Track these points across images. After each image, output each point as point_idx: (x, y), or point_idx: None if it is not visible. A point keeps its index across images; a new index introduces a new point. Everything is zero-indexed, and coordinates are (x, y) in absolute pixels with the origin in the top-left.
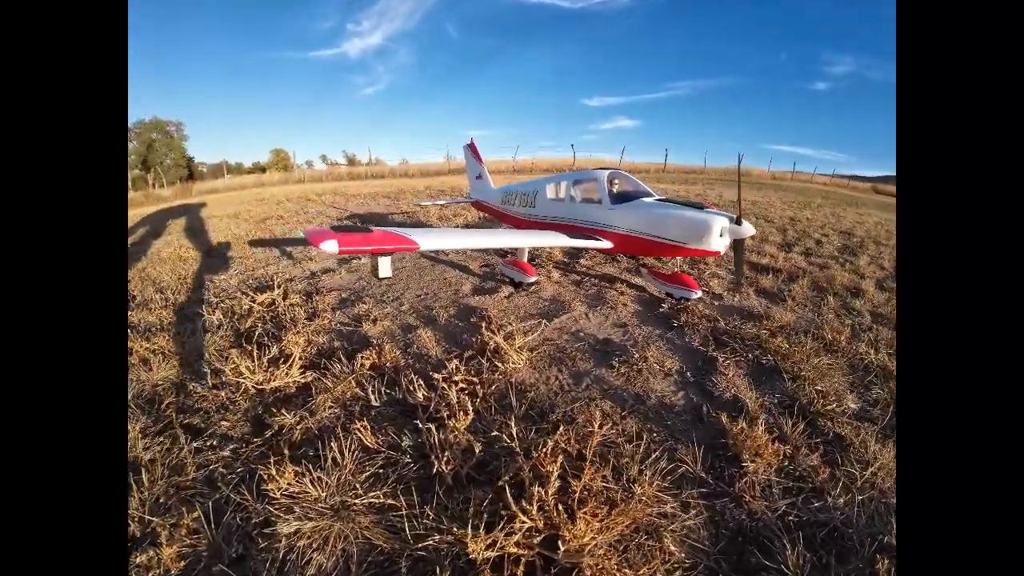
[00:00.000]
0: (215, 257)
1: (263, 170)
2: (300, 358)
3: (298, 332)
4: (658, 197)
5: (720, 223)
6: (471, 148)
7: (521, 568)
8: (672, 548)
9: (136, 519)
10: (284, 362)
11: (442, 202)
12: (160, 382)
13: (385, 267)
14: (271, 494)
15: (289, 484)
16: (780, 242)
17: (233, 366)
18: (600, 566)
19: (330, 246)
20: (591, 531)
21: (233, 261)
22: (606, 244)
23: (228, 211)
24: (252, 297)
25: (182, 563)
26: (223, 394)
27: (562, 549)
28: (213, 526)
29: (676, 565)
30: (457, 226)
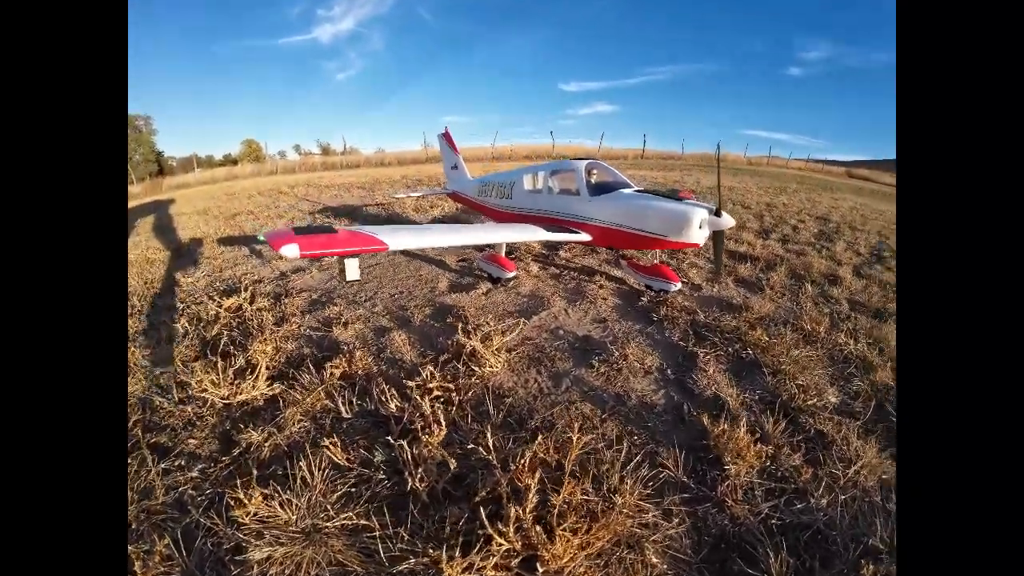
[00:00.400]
0: (183, 256)
1: (234, 162)
2: (268, 367)
3: (265, 340)
4: (636, 188)
5: (700, 215)
6: (446, 137)
7: None
8: (654, 560)
9: None
10: (251, 373)
11: (417, 194)
12: None
13: (352, 269)
14: (238, 515)
15: (257, 509)
16: (757, 229)
17: (198, 379)
18: None
19: (290, 250)
20: (571, 548)
21: (201, 262)
22: (585, 237)
23: (198, 207)
24: (219, 302)
25: None
26: (190, 409)
27: (540, 571)
28: (185, 553)
29: None
30: (434, 218)
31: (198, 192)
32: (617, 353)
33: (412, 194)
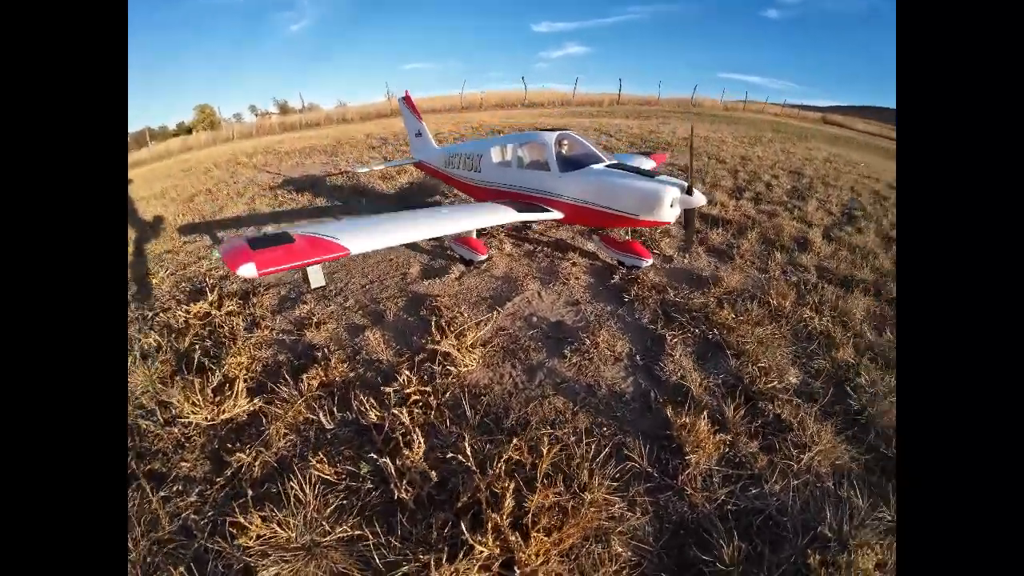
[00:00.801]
0: (144, 251)
1: (188, 131)
2: (245, 381)
3: (238, 351)
4: (608, 163)
5: (671, 194)
6: (407, 102)
7: None
8: (619, 550)
9: None
10: (229, 389)
11: (381, 166)
12: None
13: (316, 277)
14: (243, 542)
15: (259, 532)
16: (731, 187)
17: (179, 400)
18: None
19: (247, 271)
20: (545, 547)
21: (163, 257)
22: (556, 215)
23: (155, 189)
24: (187, 308)
25: None
26: (176, 430)
27: (518, 573)
28: None
29: (623, 565)
30: (401, 186)
31: (154, 170)
32: (589, 341)
33: (375, 167)
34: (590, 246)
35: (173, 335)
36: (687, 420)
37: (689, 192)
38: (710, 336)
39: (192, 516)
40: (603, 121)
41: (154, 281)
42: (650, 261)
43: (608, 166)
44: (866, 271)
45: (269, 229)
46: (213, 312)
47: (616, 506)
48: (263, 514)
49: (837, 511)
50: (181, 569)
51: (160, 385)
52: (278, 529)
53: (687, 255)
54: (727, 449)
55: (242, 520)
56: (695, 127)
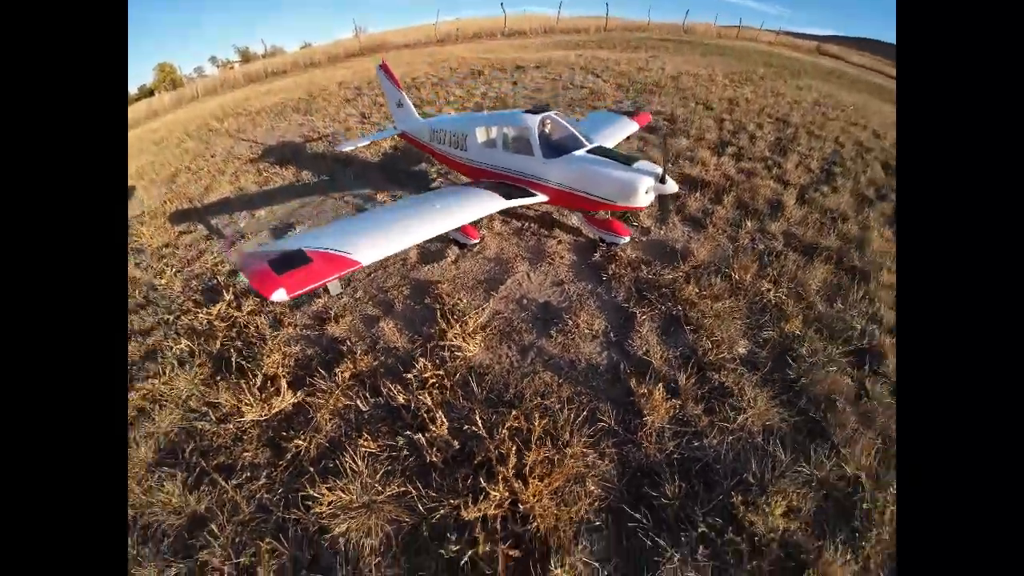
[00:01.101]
0: (141, 248)
1: (151, 92)
2: (283, 376)
3: (271, 350)
4: (589, 147)
5: (646, 183)
6: (384, 70)
7: (499, 521)
8: (592, 488)
9: (228, 560)
10: (271, 385)
11: (365, 141)
12: (169, 429)
13: (334, 286)
14: (318, 510)
15: (328, 500)
16: (715, 140)
17: (227, 400)
18: (546, 508)
19: (279, 296)
20: (539, 489)
21: (162, 252)
22: (542, 198)
23: (130, 168)
24: (208, 311)
25: None
26: (231, 426)
27: (522, 508)
28: (284, 543)
29: (595, 499)
30: (385, 152)
31: None
32: (571, 322)
33: (360, 143)
34: (574, 220)
35: (201, 338)
36: (646, 389)
37: (663, 181)
38: (674, 312)
39: (265, 496)
40: (589, 55)
41: (163, 281)
42: (628, 238)
43: (589, 151)
44: (832, 238)
45: (262, 213)
46: (235, 313)
47: (590, 457)
48: (328, 485)
49: (762, 462)
50: (267, 539)
51: (203, 388)
52: (342, 495)
53: (663, 227)
54: (677, 411)
55: (313, 492)
56: (686, 59)
